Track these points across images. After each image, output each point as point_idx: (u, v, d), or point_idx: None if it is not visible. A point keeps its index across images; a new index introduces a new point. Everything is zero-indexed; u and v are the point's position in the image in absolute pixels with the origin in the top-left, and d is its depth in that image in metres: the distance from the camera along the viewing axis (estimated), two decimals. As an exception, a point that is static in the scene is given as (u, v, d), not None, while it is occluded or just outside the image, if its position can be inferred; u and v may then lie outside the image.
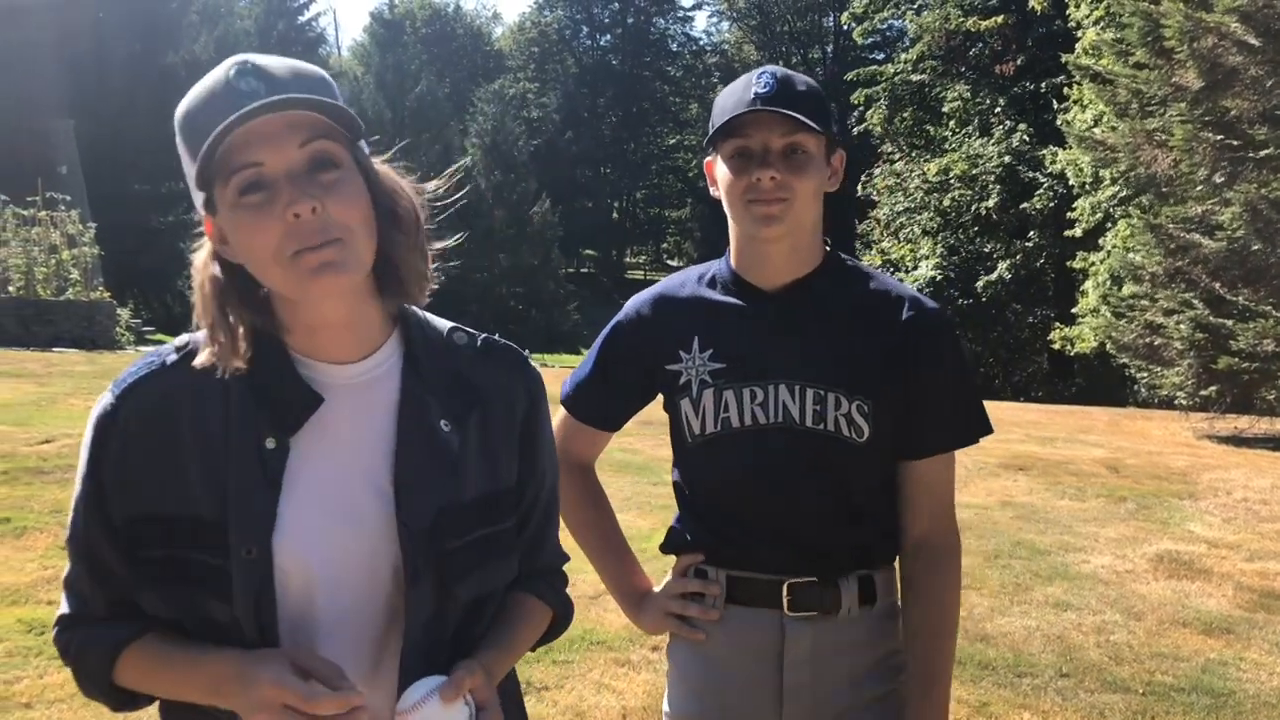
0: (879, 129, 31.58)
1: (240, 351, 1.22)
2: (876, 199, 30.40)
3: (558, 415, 1.93)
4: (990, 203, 26.61)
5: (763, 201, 1.70)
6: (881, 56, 41.40)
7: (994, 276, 26.18)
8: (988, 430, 1.86)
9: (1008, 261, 27.30)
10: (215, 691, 1.18)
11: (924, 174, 28.03)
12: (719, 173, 1.78)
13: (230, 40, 35.47)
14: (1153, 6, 11.93)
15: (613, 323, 1.94)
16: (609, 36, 56.14)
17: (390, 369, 1.32)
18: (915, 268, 27.96)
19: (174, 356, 1.27)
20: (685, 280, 1.92)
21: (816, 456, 1.76)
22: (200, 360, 1.23)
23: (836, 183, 1.80)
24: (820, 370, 1.75)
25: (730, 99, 1.75)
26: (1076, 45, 20.00)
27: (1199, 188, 12.20)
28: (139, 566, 1.23)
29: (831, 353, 1.77)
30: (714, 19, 70.94)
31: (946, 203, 27.52)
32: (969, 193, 27.00)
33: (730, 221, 1.80)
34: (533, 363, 1.46)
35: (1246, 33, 10.96)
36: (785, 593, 1.78)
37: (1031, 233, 27.05)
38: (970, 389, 1.88)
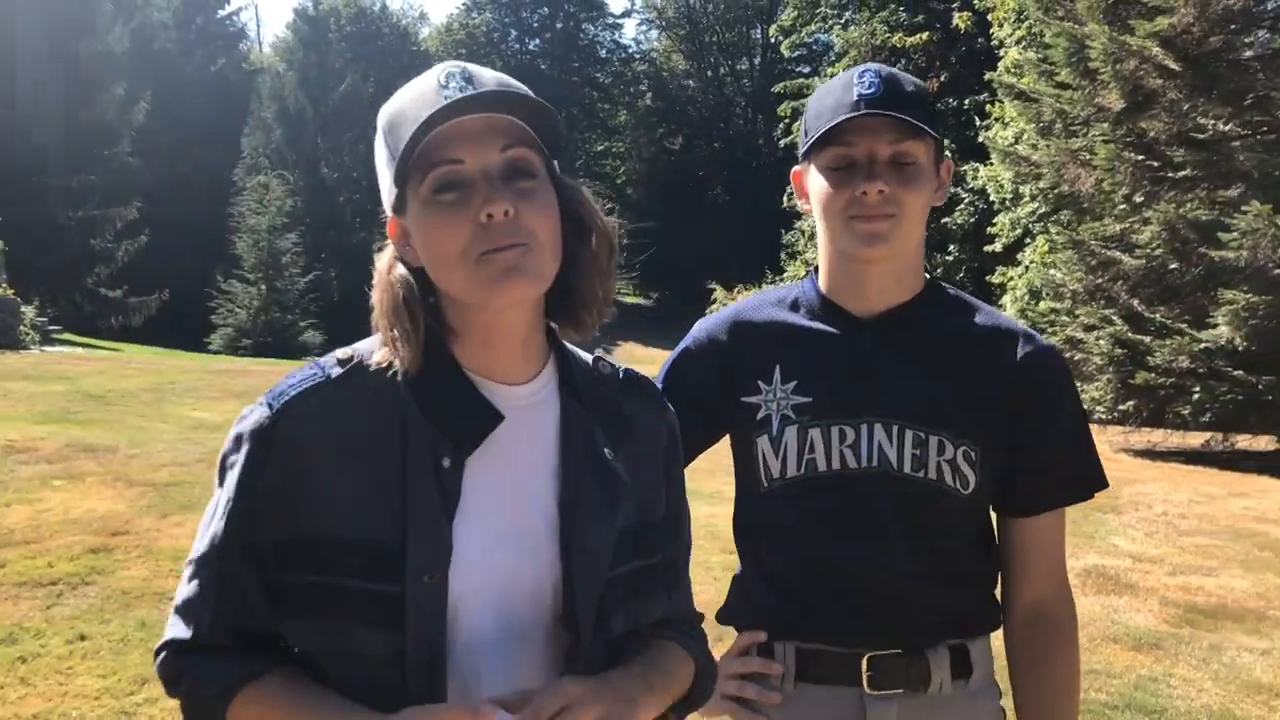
0: (805, 141, 31.84)
1: (416, 359, 1.17)
2: (802, 210, 30.65)
3: None
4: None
5: (867, 218, 1.49)
6: (808, 70, 41.91)
7: (929, 275, 26.52)
8: (1103, 484, 1.65)
9: (929, 275, 27.68)
10: None
11: (849, 187, 28.30)
12: (812, 184, 1.56)
13: (147, 32, 34.59)
14: (1079, 28, 12.17)
15: (679, 349, 1.71)
16: (537, 41, 55.93)
17: (551, 393, 1.28)
18: (839, 279, 28.25)
19: (338, 370, 1.21)
20: (762, 303, 1.70)
21: (914, 508, 1.54)
22: (377, 359, 1.19)
23: (944, 195, 1.60)
24: (922, 410, 1.54)
25: (828, 100, 1.53)
26: (999, 64, 20.39)
27: (1119, 206, 12.48)
28: (284, 594, 1.16)
29: (935, 390, 1.55)
30: (643, 27, 71.28)
31: (870, 215, 27.81)
32: (892, 206, 27.32)
33: (823, 240, 1.60)
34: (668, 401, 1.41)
35: (1167, 57, 11.24)
36: (865, 667, 1.55)
37: (952, 247, 27.49)
38: (1087, 437, 1.64)
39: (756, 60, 53.12)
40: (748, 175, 47.21)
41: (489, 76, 1.19)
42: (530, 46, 56.04)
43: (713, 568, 5.91)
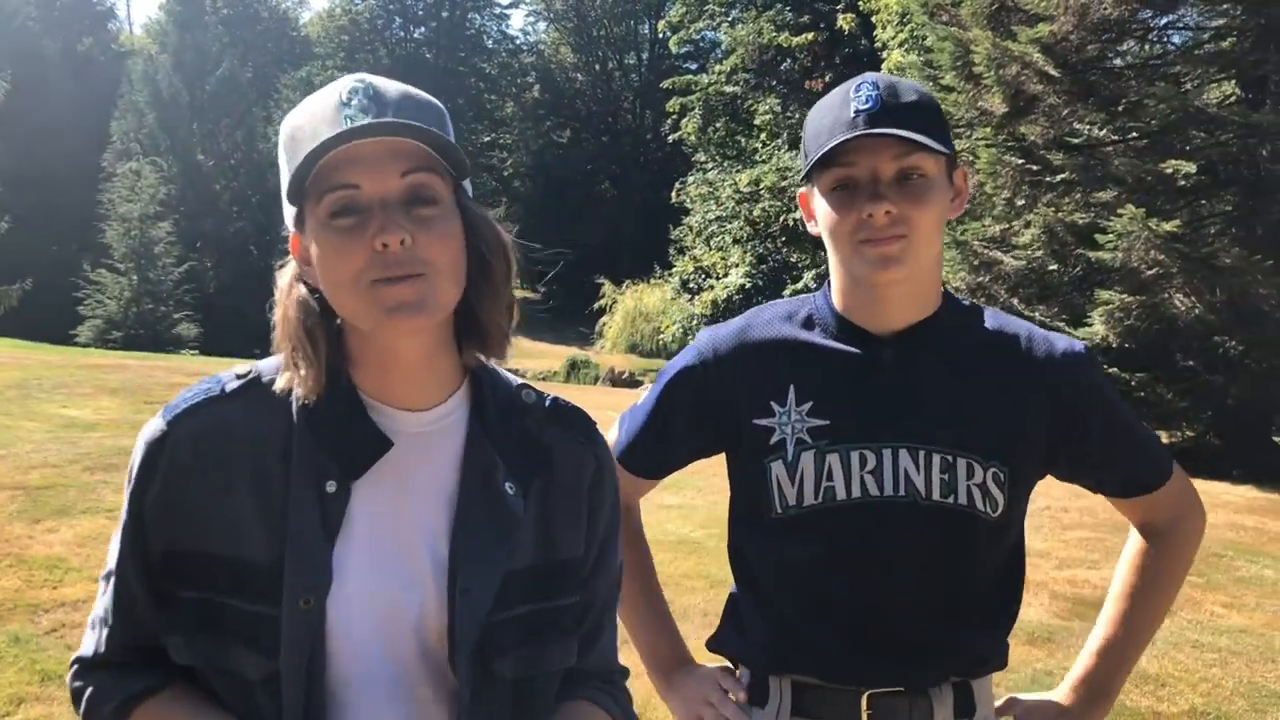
0: (693, 138, 32.10)
1: (323, 381, 1.16)
2: (690, 206, 30.89)
3: None
4: (798, 214, 27.35)
5: (876, 241, 1.41)
6: (695, 66, 42.18)
7: (800, 285, 26.94)
8: (1171, 465, 1.63)
9: (813, 271, 28.24)
10: None
11: (735, 184, 28.64)
12: (818, 208, 1.49)
13: (6, 10, 32.87)
14: (963, 33, 12.47)
15: (679, 365, 1.62)
16: (423, 29, 54.97)
17: (457, 421, 1.24)
18: (725, 275, 28.57)
19: (235, 384, 1.21)
20: (772, 318, 1.60)
21: (942, 538, 1.47)
22: (279, 386, 1.17)
23: (962, 205, 1.53)
24: (948, 431, 1.46)
25: (825, 118, 1.45)
26: (882, 65, 20.83)
27: (1000, 208, 12.84)
28: (170, 608, 1.16)
29: (962, 410, 1.47)
30: (531, 19, 70.79)
31: (757, 213, 28.16)
32: (778, 204, 27.70)
33: (834, 262, 1.52)
34: (599, 429, 1.35)
35: (1047, 63, 11.59)
36: (865, 705, 1.49)
37: (836, 245, 28.08)
38: (1139, 428, 1.61)
39: (645, 55, 53.24)
40: (636, 170, 47.35)
41: (394, 94, 1.16)
42: (415, 35, 55.08)
43: (615, 569, 5.88)
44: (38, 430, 8.36)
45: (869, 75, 1.46)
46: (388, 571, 1.16)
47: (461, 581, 1.16)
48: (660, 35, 42.91)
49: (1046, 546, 6.99)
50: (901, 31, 21.66)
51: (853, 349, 1.52)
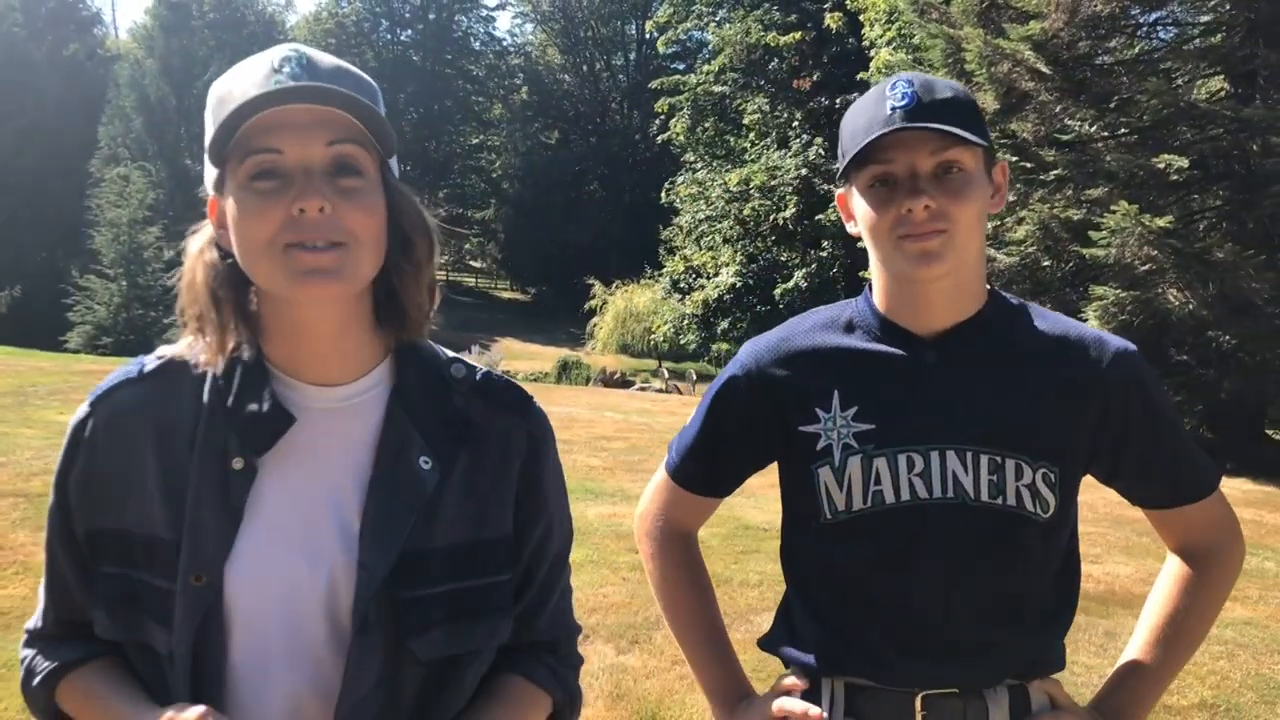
0: (681, 138, 32.11)
1: (227, 349, 1.15)
2: (680, 206, 30.91)
3: (657, 477, 1.70)
4: (788, 213, 27.46)
5: (916, 236, 1.38)
6: (683, 66, 42.24)
7: (790, 284, 27.01)
8: (1216, 479, 1.55)
9: (803, 270, 28.28)
10: None
11: (725, 183, 28.66)
12: (856, 207, 1.47)
13: (-8, 13, 32.71)
14: (954, 31, 12.51)
15: (725, 376, 1.60)
16: (410, 31, 54.93)
17: (376, 397, 1.22)
18: (716, 274, 28.60)
19: (153, 365, 1.22)
20: (813, 324, 1.58)
21: (993, 539, 1.44)
22: (178, 352, 1.19)
23: (1002, 201, 1.50)
24: (996, 432, 1.44)
25: (861, 117, 1.43)
26: (870, 64, 20.87)
27: (994, 205, 12.89)
28: (95, 584, 1.18)
29: (1009, 410, 1.45)
30: (518, 20, 70.73)
31: (747, 212, 28.21)
32: (768, 203, 27.77)
33: (874, 262, 1.50)
34: (537, 404, 1.32)
35: (1038, 60, 11.65)
36: (919, 707, 1.46)
37: (825, 243, 28.07)
38: (1185, 435, 1.55)
39: (632, 56, 53.29)
40: (624, 171, 47.37)
41: (327, 65, 1.16)
42: (402, 37, 55.06)
43: (619, 568, 5.87)
44: (36, 437, 8.33)
45: (904, 75, 1.45)
46: (294, 548, 1.15)
47: (359, 556, 1.15)
48: (648, 36, 43.00)
49: (1048, 541, 7.02)
50: (889, 30, 21.70)
51: (896, 350, 1.50)
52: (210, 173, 1.17)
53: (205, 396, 1.17)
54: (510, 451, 1.26)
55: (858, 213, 1.47)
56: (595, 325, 33.66)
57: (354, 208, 1.12)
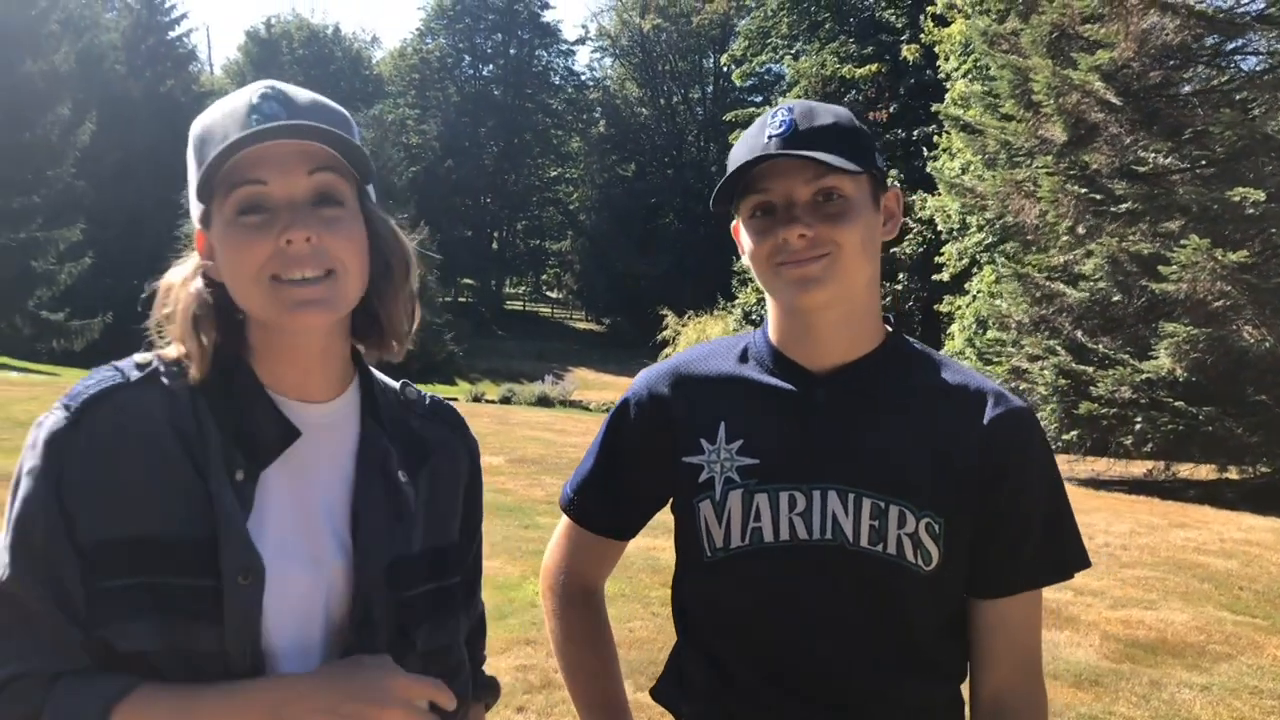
0: (757, 169, 32.11)
1: (203, 372, 1.19)
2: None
3: (559, 525, 1.65)
4: (863, 245, 27.17)
5: (796, 263, 1.36)
6: (759, 99, 42.32)
7: (892, 326, 26.72)
8: (1085, 563, 1.47)
9: (890, 326, 27.93)
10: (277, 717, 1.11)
11: (799, 215, 28.52)
12: (743, 238, 1.44)
13: (94, 53, 34.09)
14: (1022, 61, 12.34)
15: (618, 404, 1.57)
16: (491, 66, 55.94)
17: (351, 414, 1.29)
18: (790, 307, 28.48)
19: (136, 373, 1.21)
20: (711, 353, 1.55)
21: (871, 586, 1.38)
22: (158, 362, 1.21)
23: (895, 228, 1.46)
24: (881, 476, 1.38)
25: (742, 147, 1.41)
26: (946, 95, 20.66)
27: (1063, 238, 12.63)
28: (107, 599, 1.12)
29: (896, 455, 1.39)
30: (597, 54, 71.56)
31: (821, 244, 28.00)
32: (842, 235, 27.54)
33: (766, 293, 1.46)
34: (469, 426, 1.44)
35: (1108, 91, 11.42)
36: None
37: (901, 276, 27.79)
38: (1066, 509, 1.47)
39: (709, 89, 53.56)
40: (700, 202, 47.45)
41: (303, 100, 1.20)
42: (484, 72, 56.08)
43: (651, 602, 5.82)
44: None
45: (788, 102, 1.43)
46: (298, 556, 1.19)
47: (356, 560, 1.21)
48: (724, 69, 43.13)
49: (1101, 585, 6.79)
50: (965, 61, 21.50)
51: (786, 385, 1.45)
52: (195, 208, 1.22)
53: (201, 410, 1.19)
54: (458, 467, 1.38)
55: (743, 243, 1.44)
56: (667, 356, 33.67)
57: (337, 236, 1.17)
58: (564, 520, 1.63)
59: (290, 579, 1.18)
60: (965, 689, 1.52)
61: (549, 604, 1.65)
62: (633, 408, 1.54)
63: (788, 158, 1.35)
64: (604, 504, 1.59)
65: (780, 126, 1.37)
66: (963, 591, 1.45)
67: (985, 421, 1.41)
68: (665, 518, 1.59)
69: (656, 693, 1.59)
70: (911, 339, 1.52)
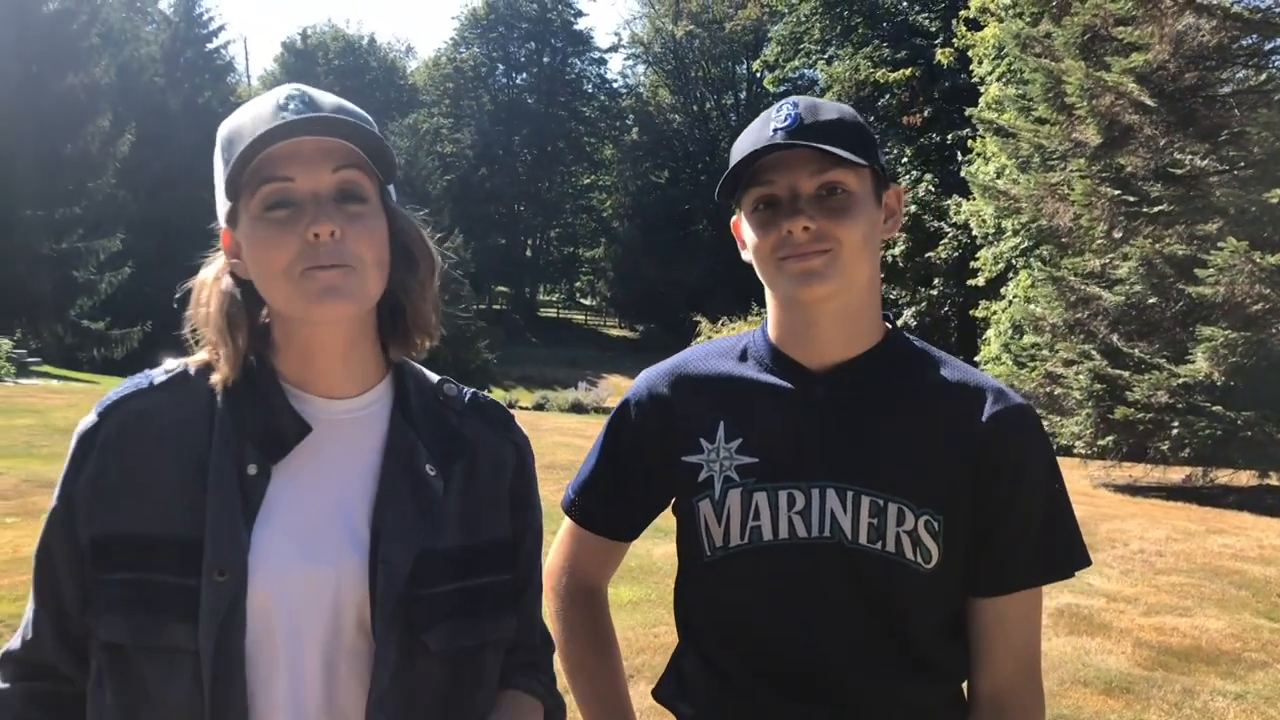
0: (790, 175, 32.01)
1: (242, 364, 1.23)
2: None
3: (561, 526, 1.65)
4: (897, 250, 27.10)
5: (798, 256, 1.35)
6: (793, 104, 42.14)
7: (900, 323, 26.41)
8: (1085, 561, 1.46)
9: (913, 309, 27.81)
10: None
11: (833, 220, 28.40)
12: (744, 232, 1.44)
13: (134, 66, 34.60)
14: (1055, 64, 12.22)
15: (619, 405, 1.57)
16: (525, 75, 56.25)
17: (380, 410, 1.30)
18: (824, 312, 28.34)
19: (162, 377, 1.27)
20: (708, 353, 1.55)
21: (871, 585, 1.38)
22: (194, 361, 1.26)
23: (896, 226, 1.46)
24: (880, 473, 1.38)
25: (747, 139, 1.41)
26: (980, 99, 20.52)
27: (1098, 241, 12.49)
28: (100, 590, 1.19)
29: (895, 452, 1.39)
30: (629, 62, 71.64)
31: (855, 249, 27.86)
32: (876, 240, 27.40)
33: (766, 289, 1.46)
34: (518, 422, 1.42)
35: (1142, 93, 11.28)
36: None
37: (936, 281, 27.58)
38: (1065, 507, 1.45)
39: (742, 95, 53.50)
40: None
41: (329, 102, 1.23)
42: (518, 81, 56.40)
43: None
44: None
45: (793, 97, 1.43)
46: (307, 550, 1.20)
47: (381, 554, 1.21)
48: (756, 74, 43.05)
49: (1135, 591, 6.70)
50: (999, 65, 21.34)
51: (785, 383, 1.45)
52: (223, 207, 1.25)
53: (219, 405, 1.23)
54: (501, 464, 1.35)
55: (746, 238, 1.45)
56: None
57: (360, 232, 1.20)
58: (566, 522, 1.64)
59: (291, 574, 1.19)
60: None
61: (552, 605, 1.65)
62: (633, 408, 1.55)
63: (793, 149, 1.35)
64: (605, 505, 1.60)
65: (785, 120, 1.38)
66: (962, 590, 1.43)
67: (984, 418, 1.40)
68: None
69: (657, 693, 1.59)
70: (911, 337, 1.51)
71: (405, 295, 1.28)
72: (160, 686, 1.16)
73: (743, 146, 1.41)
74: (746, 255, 1.46)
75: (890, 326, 1.49)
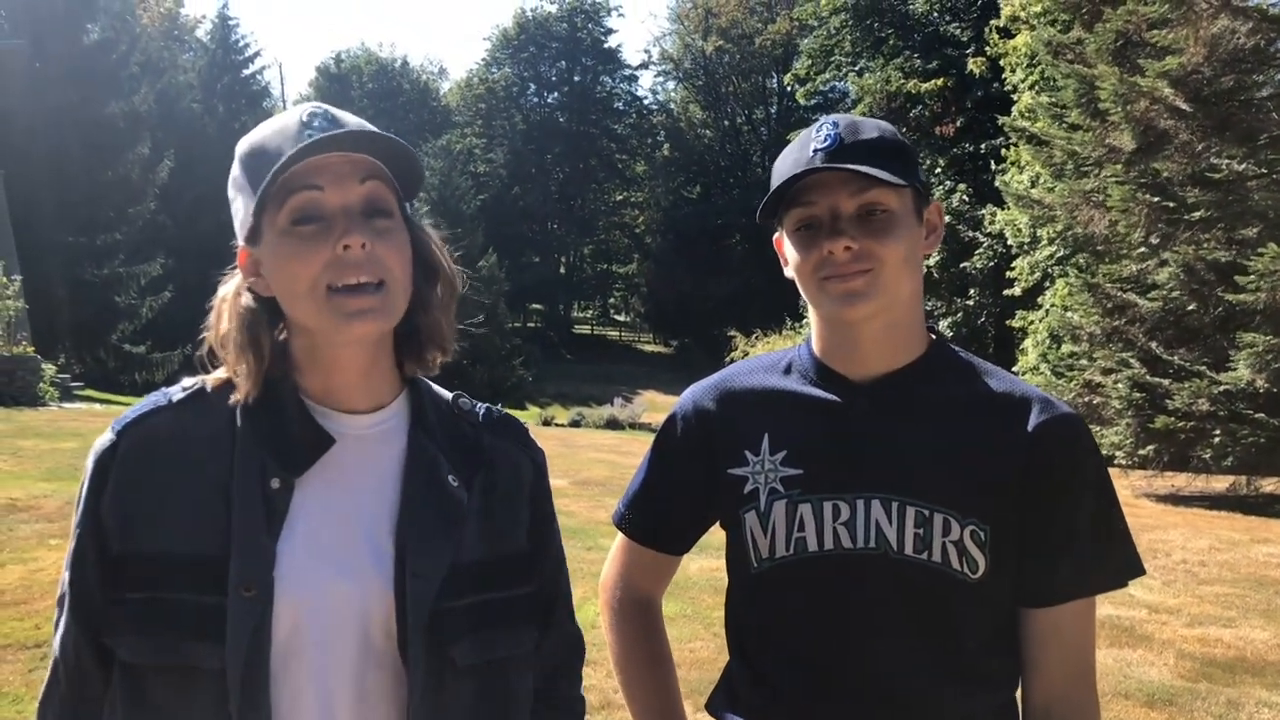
0: (822, 188, 31.96)
1: (258, 384, 1.22)
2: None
3: (615, 541, 1.67)
4: (932, 261, 26.93)
5: (840, 276, 1.36)
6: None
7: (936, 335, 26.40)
8: (1139, 570, 1.44)
9: (949, 319, 27.61)
10: None
11: (867, 232, 28.30)
12: (787, 250, 1.45)
13: (172, 93, 35.16)
14: (1087, 70, 12.13)
15: (666, 420, 1.59)
16: (556, 94, 56.53)
17: (398, 425, 1.30)
18: (859, 325, 28.22)
19: (180, 395, 1.26)
20: (754, 368, 1.56)
21: (917, 595, 1.37)
22: (213, 379, 1.25)
23: (937, 241, 1.47)
24: (925, 484, 1.37)
25: (787, 160, 1.43)
26: (1013, 108, 20.41)
27: (1136, 249, 12.36)
28: (117, 609, 1.19)
29: (940, 463, 1.38)
30: (660, 79, 71.82)
31: (888, 261, 27.73)
32: (910, 251, 27.27)
33: (809, 306, 1.47)
34: (533, 436, 1.43)
35: (1177, 98, 11.17)
36: None
37: (972, 291, 27.38)
38: (1117, 515, 1.44)
39: (773, 109, 53.51)
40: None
41: (351, 119, 1.23)
42: (549, 100, 56.69)
43: (713, 623, 5.79)
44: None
45: (833, 116, 1.44)
46: (332, 564, 1.20)
47: (411, 567, 1.20)
48: (787, 88, 43.06)
49: (1178, 602, 6.59)
50: (1032, 73, 21.22)
51: (830, 396, 1.45)
52: (244, 224, 1.23)
53: (239, 421, 1.22)
54: (520, 478, 1.36)
55: (788, 257, 1.46)
56: (735, 377, 33.49)
57: (388, 246, 1.20)
58: (619, 536, 1.66)
59: (318, 589, 1.18)
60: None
61: (606, 619, 1.66)
62: (679, 423, 1.56)
63: (833, 171, 1.36)
64: (655, 519, 1.61)
65: (825, 140, 1.38)
66: (1012, 600, 1.42)
67: (1030, 427, 1.39)
68: (722, 539, 1.58)
69: (710, 705, 1.58)
70: (956, 348, 1.51)
71: (424, 310, 1.28)
72: (177, 708, 1.15)
73: (782, 169, 1.42)
74: (789, 273, 1.47)
75: (935, 337, 1.49)
